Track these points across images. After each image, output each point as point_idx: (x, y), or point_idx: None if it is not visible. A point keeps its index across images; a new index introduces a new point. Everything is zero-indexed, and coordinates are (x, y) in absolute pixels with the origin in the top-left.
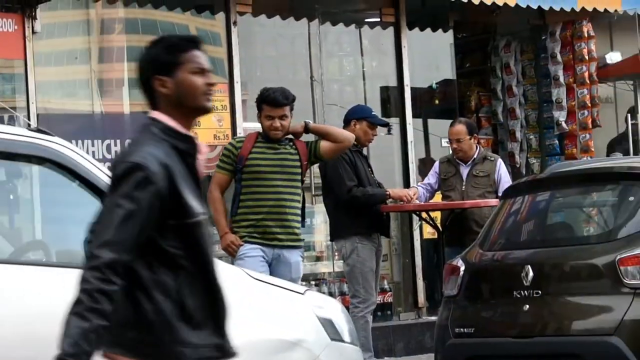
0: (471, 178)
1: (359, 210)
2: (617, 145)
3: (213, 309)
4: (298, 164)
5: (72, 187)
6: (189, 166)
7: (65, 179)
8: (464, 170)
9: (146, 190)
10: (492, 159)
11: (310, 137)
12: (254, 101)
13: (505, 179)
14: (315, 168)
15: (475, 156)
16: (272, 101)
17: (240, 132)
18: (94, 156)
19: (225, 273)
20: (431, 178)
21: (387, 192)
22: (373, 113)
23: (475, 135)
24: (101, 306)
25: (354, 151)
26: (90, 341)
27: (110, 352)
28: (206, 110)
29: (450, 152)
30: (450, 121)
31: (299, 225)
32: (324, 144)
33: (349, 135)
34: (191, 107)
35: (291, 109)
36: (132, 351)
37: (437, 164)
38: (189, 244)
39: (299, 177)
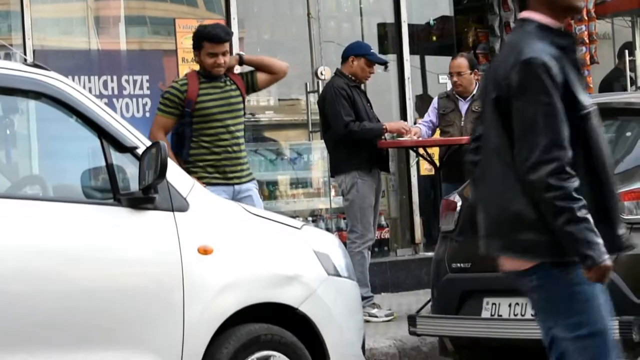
0: (470, 114)
1: (359, 146)
2: (614, 82)
3: (609, 202)
4: (240, 99)
5: (69, 122)
6: (571, 60)
7: (62, 114)
8: (463, 106)
9: (552, 82)
10: None
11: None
12: (251, 38)
13: None
14: (313, 105)
15: (474, 91)
16: (214, 37)
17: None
18: (90, 92)
19: (223, 208)
20: (431, 114)
21: (384, 127)
22: (372, 50)
23: (476, 70)
24: (579, 203)
25: (353, 86)
26: (596, 234)
27: (504, 256)
28: (577, 10)
29: (449, 87)
30: (449, 57)
31: (247, 159)
32: (260, 75)
33: (283, 66)
34: (563, 7)
35: (230, 45)
36: (528, 253)
37: (435, 99)
38: (582, 138)
39: (243, 112)
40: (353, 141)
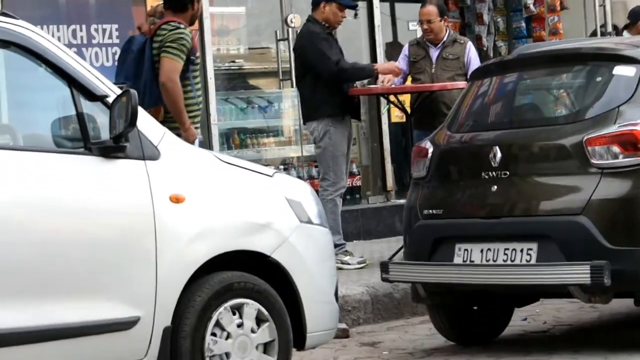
0: (441, 60)
1: (332, 93)
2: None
3: None
4: None
5: (39, 71)
6: None
7: (32, 63)
8: (434, 53)
9: None
10: (462, 41)
11: None
12: None
13: (475, 62)
14: (284, 53)
15: (445, 38)
16: None
17: (206, 17)
18: (59, 41)
19: (194, 156)
20: (402, 62)
21: (375, 68)
22: None
23: (445, 17)
24: None
25: (327, 33)
26: None
27: None
28: None
29: (419, 34)
30: (419, 4)
31: None
32: None
33: None
34: None
35: None
36: None
37: (406, 47)
38: None
39: None
40: (330, 86)
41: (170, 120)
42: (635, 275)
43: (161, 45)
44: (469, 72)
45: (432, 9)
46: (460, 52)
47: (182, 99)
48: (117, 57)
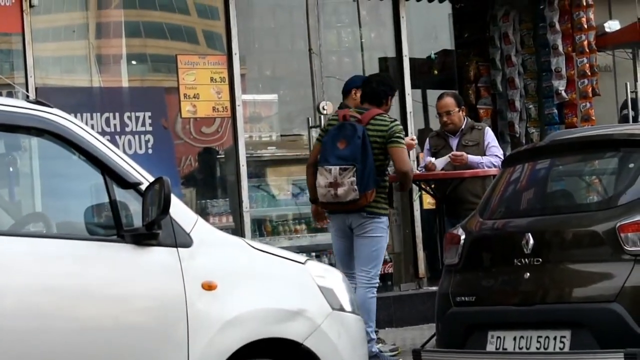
0: (461, 148)
1: None
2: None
3: None
4: None
5: (72, 159)
6: None
7: (65, 151)
8: (453, 142)
9: None
10: (480, 127)
11: None
12: (253, 74)
13: (493, 144)
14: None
15: (463, 127)
16: None
17: (239, 104)
18: (92, 129)
19: (227, 243)
20: (427, 156)
21: None
22: None
23: (462, 107)
24: None
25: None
26: None
27: None
28: None
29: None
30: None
31: None
32: None
33: None
34: None
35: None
36: None
37: (427, 140)
38: None
39: None
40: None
41: (377, 201)
42: None
43: (388, 135)
44: (488, 155)
45: (449, 100)
46: (479, 138)
47: None
48: (150, 144)
